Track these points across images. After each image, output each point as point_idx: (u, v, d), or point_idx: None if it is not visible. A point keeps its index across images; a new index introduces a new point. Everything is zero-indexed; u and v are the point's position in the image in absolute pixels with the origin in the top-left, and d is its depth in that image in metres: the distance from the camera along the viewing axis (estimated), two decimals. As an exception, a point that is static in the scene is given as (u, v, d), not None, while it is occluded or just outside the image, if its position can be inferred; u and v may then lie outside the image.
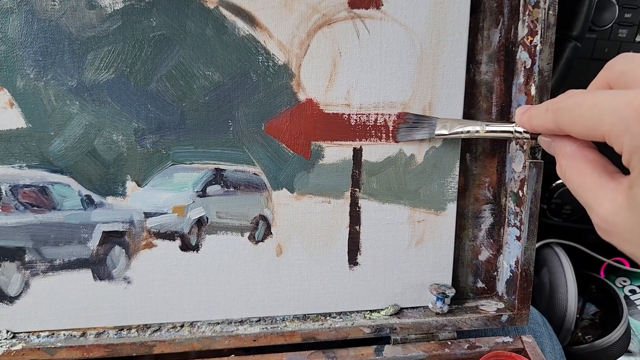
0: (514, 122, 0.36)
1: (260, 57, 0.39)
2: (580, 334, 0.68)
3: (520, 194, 0.43)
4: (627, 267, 0.77)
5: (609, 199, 0.24)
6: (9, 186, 0.38)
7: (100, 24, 0.37)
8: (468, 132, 0.39)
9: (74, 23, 0.37)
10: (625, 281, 0.76)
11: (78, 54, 0.37)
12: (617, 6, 0.63)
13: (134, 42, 0.37)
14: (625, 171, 0.24)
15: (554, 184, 0.70)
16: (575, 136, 0.26)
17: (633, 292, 0.74)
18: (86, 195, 0.39)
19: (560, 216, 0.72)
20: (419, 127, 0.41)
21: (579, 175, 0.26)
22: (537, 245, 0.75)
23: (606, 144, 0.24)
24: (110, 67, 0.38)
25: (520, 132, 0.35)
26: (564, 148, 0.28)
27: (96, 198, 0.39)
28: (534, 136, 0.33)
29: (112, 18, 0.37)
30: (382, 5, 0.39)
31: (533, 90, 0.41)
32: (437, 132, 0.40)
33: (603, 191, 0.25)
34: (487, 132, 0.38)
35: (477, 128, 0.38)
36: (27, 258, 0.39)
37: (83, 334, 0.41)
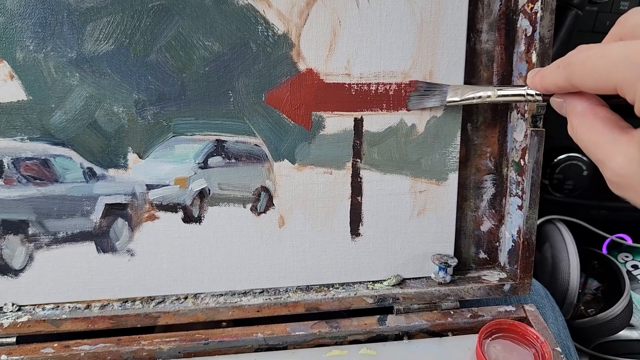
0: (524, 85, 0.36)
1: (260, 27, 0.39)
2: (582, 307, 0.68)
3: (522, 163, 0.43)
4: (630, 243, 0.78)
5: (622, 152, 0.24)
6: (11, 159, 0.38)
7: (98, -6, 0.37)
8: (480, 97, 0.39)
9: (72, -7, 0.36)
10: (627, 257, 0.77)
11: (77, 25, 0.37)
12: (618, -23, 0.62)
13: (133, 13, 0.37)
14: (637, 126, 0.24)
15: (555, 160, 0.70)
16: (587, 91, 0.26)
17: (635, 267, 0.74)
18: (88, 168, 0.39)
19: (562, 192, 0.72)
20: (430, 95, 0.41)
21: (591, 132, 0.26)
22: (539, 221, 0.75)
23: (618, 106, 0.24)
24: (110, 38, 0.37)
25: (532, 95, 0.35)
26: (576, 107, 0.28)
27: (98, 170, 0.39)
28: (546, 98, 0.33)
29: (110, -12, 0.37)
30: (382, -28, 0.39)
31: (534, 58, 0.41)
32: (448, 99, 0.40)
33: (615, 146, 0.24)
34: (499, 96, 0.38)
35: (489, 93, 0.38)
36: (30, 231, 0.40)
37: (88, 306, 0.42)
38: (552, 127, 0.69)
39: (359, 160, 0.42)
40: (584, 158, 0.69)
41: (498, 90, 0.38)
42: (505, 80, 0.44)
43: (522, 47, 0.42)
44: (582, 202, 0.74)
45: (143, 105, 0.39)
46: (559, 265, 0.68)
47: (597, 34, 0.66)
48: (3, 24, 0.36)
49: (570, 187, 0.71)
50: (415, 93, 0.41)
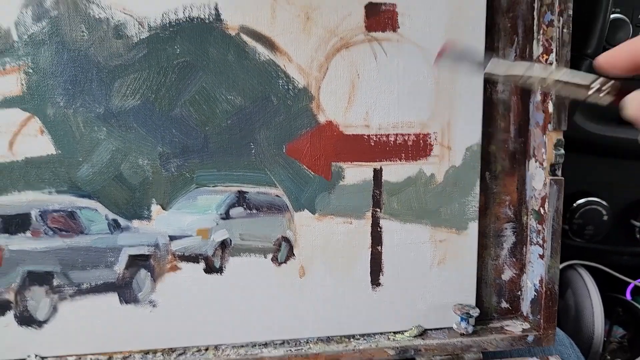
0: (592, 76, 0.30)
1: (281, 81, 0.40)
2: (609, 357, 0.66)
3: (542, 211, 0.43)
4: (654, 289, 0.76)
5: None
6: (39, 211, 0.39)
7: (126, 52, 0.38)
8: (530, 77, 0.31)
9: (101, 52, 0.38)
10: (652, 303, 0.75)
11: (105, 82, 0.38)
12: (631, 25, 0.63)
13: (159, 69, 0.39)
14: None
15: (574, 204, 0.70)
16: None
17: (661, 314, 0.72)
18: (113, 219, 0.40)
19: (583, 237, 0.71)
20: (466, 61, 0.36)
21: None
22: (560, 266, 0.74)
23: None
24: (136, 94, 0.39)
25: (598, 89, 0.29)
26: None
27: (122, 222, 0.40)
28: (619, 91, 0.27)
29: (138, 47, 0.38)
30: (399, 27, 0.40)
31: (550, 108, 0.41)
32: (488, 70, 0.33)
33: None
34: (557, 82, 0.30)
35: (544, 75, 0.31)
36: (55, 282, 0.40)
37: (109, 358, 0.42)
38: (570, 171, 0.69)
39: (378, 209, 0.43)
40: (604, 203, 0.69)
41: (557, 72, 0.31)
42: (523, 129, 0.45)
43: (539, 97, 0.43)
44: (603, 248, 0.73)
45: (167, 158, 0.40)
46: (583, 313, 0.66)
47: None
48: (36, 81, 0.38)
49: (590, 232, 0.70)
50: (449, 54, 0.35)
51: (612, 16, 0.63)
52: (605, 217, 0.69)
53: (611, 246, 0.74)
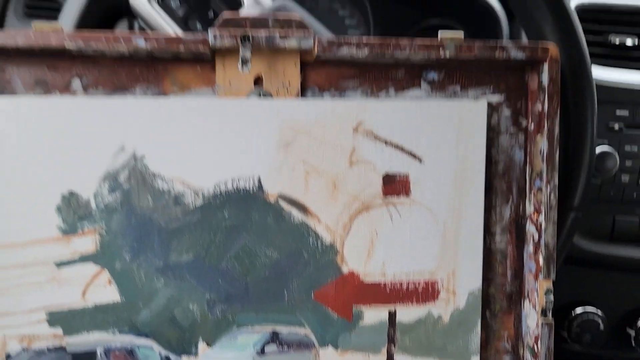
0: None
1: (311, 239, 0.47)
2: None
3: (535, 348, 0.49)
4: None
5: None
6: (103, 349, 0.46)
7: (183, 217, 0.46)
8: None
9: (163, 217, 0.46)
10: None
11: (165, 241, 0.46)
12: (617, 156, 0.71)
13: (210, 231, 0.46)
14: None
15: (573, 313, 0.76)
16: None
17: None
18: (165, 356, 0.47)
19: (581, 344, 0.77)
20: None
21: None
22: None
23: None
24: (190, 251, 0.46)
25: None
26: None
27: (173, 358, 0.47)
28: None
29: (193, 212, 0.46)
30: (411, 194, 0.48)
31: (541, 261, 0.48)
32: None
33: None
34: None
35: None
36: (113, 410, 0.47)
37: None
38: (568, 282, 0.76)
39: (393, 346, 0.49)
40: (600, 313, 0.75)
41: None
42: (518, 273, 0.52)
43: (531, 249, 0.50)
44: (601, 353, 0.79)
45: (214, 304, 0.47)
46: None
47: (602, 203, 0.74)
48: (108, 241, 0.45)
49: (588, 339, 0.76)
50: None
51: (599, 149, 0.71)
52: (602, 327, 0.75)
53: (609, 351, 0.80)
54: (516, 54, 0.46)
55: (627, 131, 0.72)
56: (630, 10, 0.77)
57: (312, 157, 0.47)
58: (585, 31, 0.74)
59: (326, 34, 0.52)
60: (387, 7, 0.87)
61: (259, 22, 0.43)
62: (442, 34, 0.45)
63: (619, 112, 0.72)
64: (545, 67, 0.46)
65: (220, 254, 0.47)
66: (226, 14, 0.43)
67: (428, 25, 0.89)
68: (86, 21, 0.49)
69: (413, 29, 0.88)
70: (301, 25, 0.44)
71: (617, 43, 0.74)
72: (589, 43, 0.74)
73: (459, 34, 0.45)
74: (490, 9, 0.81)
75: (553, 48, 0.46)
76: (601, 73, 0.73)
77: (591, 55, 0.74)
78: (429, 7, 0.87)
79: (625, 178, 0.73)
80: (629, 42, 0.74)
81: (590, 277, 0.77)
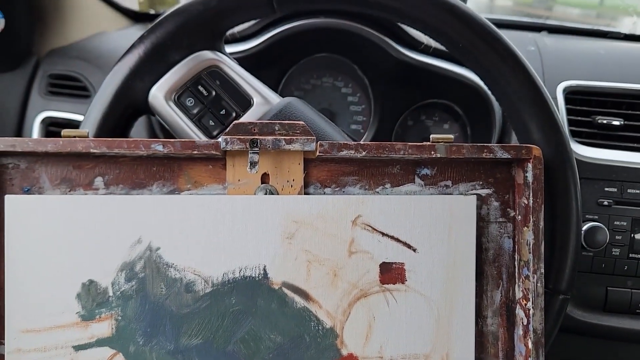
0: None
1: (312, 323, 0.51)
2: None
3: None
4: None
5: None
6: None
7: (194, 303, 0.49)
8: None
9: (175, 303, 0.49)
10: None
11: (176, 326, 0.49)
12: (607, 230, 0.74)
13: (218, 316, 0.50)
14: None
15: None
16: None
17: None
18: None
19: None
20: None
21: None
22: None
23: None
24: (199, 335, 0.49)
25: None
26: None
27: None
28: None
29: (202, 299, 0.49)
30: (406, 281, 0.51)
31: (530, 345, 0.51)
32: None
33: None
34: None
35: None
36: None
37: None
38: (563, 349, 0.78)
39: None
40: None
41: None
42: (509, 355, 0.54)
43: (521, 332, 0.53)
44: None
45: (220, 385, 0.50)
46: None
47: (595, 274, 0.77)
48: (123, 326, 0.49)
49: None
50: None
51: (590, 224, 0.74)
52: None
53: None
54: (502, 154, 0.50)
55: (615, 207, 0.76)
56: (615, 93, 0.82)
57: (313, 247, 0.50)
58: (573, 112, 0.80)
59: (330, 130, 0.56)
60: (386, 87, 0.93)
61: (266, 128, 0.48)
62: (433, 137, 0.50)
63: (607, 189, 0.76)
64: (530, 166, 0.50)
65: (227, 337, 0.50)
66: (237, 122, 0.47)
67: (424, 103, 0.94)
68: (109, 120, 0.53)
69: (410, 106, 0.94)
70: (304, 131, 0.48)
71: (605, 123, 0.78)
72: (577, 124, 0.80)
73: (449, 137, 0.49)
74: (480, 91, 0.86)
75: (536, 149, 0.50)
76: (590, 152, 0.78)
77: (579, 135, 0.79)
78: (424, 87, 0.92)
79: (616, 251, 0.76)
80: (615, 122, 0.78)
81: (584, 346, 0.80)
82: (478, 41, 0.54)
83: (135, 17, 1.24)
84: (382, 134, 0.98)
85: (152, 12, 1.27)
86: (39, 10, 0.98)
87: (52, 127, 0.96)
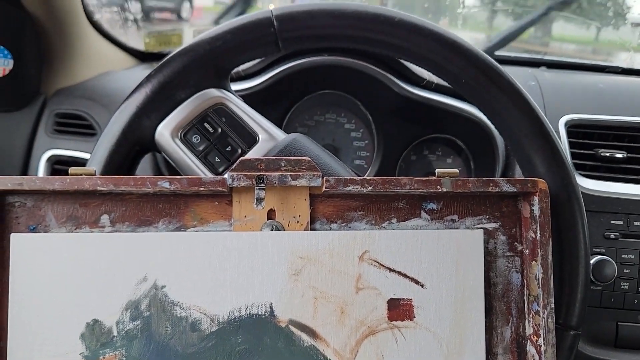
0: None
1: (320, 362, 0.50)
2: None
3: None
4: None
5: None
6: None
7: (199, 342, 0.49)
8: None
9: (180, 342, 0.48)
10: None
11: (181, 366, 0.48)
12: (615, 264, 0.73)
13: (224, 355, 0.49)
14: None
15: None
16: None
17: None
18: None
19: None
20: None
21: None
22: None
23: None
24: (205, 375, 0.49)
25: None
26: None
27: None
28: None
29: (208, 338, 0.49)
30: (415, 317, 0.51)
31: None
32: None
33: None
34: None
35: None
36: None
37: None
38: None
39: None
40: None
41: None
42: (521, 393, 0.53)
43: (522, 377, 0.52)
44: None
45: None
46: None
47: (604, 309, 0.76)
48: (127, 366, 0.48)
49: None
50: None
51: (597, 258, 0.74)
52: None
53: None
54: (508, 188, 0.50)
55: (622, 240, 0.75)
56: (617, 126, 0.82)
57: (320, 283, 0.50)
58: (575, 145, 0.80)
59: (336, 166, 0.56)
60: (389, 122, 0.94)
61: (272, 164, 0.48)
62: (439, 171, 0.50)
63: (614, 222, 0.76)
64: (536, 199, 0.50)
65: (233, 378, 0.49)
66: (243, 158, 0.48)
67: (427, 137, 0.95)
68: (115, 157, 0.54)
69: (413, 141, 0.94)
70: (311, 167, 0.48)
71: (608, 156, 0.79)
72: (580, 157, 0.80)
73: (454, 171, 0.50)
74: (482, 125, 0.86)
75: (542, 182, 0.50)
76: (594, 185, 0.77)
77: (583, 168, 0.79)
78: (427, 122, 0.93)
79: (624, 285, 0.75)
80: (618, 155, 0.78)
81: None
82: (480, 76, 0.55)
83: (141, 56, 1.27)
84: (385, 169, 0.99)
85: (157, 51, 1.29)
86: (48, 51, 1.00)
87: (58, 165, 0.96)
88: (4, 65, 0.91)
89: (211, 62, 0.56)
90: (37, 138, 0.96)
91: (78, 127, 0.95)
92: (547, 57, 1.21)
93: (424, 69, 0.57)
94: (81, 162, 0.94)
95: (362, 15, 0.55)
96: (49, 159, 0.95)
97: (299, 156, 0.54)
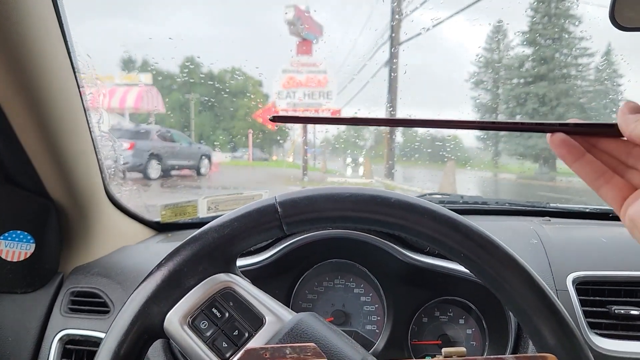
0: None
1: None
2: None
3: None
4: None
5: None
6: None
7: None
8: None
9: None
10: None
11: None
12: None
13: None
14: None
15: None
16: None
17: None
18: None
19: None
20: None
21: None
22: None
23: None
24: None
25: None
26: None
27: None
28: None
29: None
30: None
31: None
32: None
33: None
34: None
35: None
36: None
37: None
38: None
39: None
40: None
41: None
42: None
43: None
44: None
45: None
46: None
47: None
48: None
49: None
50: None
51: None
52: None
53: None
54: (519, 367, 0.49)
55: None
56: (628, 281, 0.82)
57: None
58: (587, 303, 0.79)
59: (343, 347, 0.56)
60: (397, 287, 0.95)
61: (277, 353, 0.48)
62: (445, 350, 0.50)
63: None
64: (547, 374, 0.49)
65: None
66: (248, 347, 0.48)
67: (437, 300, 0.95)
68: (124, 347, 0.54)
69: (423, 305, 0.94)
70: (315, 353, 0.49)
71: (623, 313, 0.77)
72: (593, 315, 0.79)
73: (461, 350, 0.49)
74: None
75: (552, 357, 0.50)
76: (611, 345, 0.76)
77: (599, 326, 0.78)
78: (435, 286, 0.94)
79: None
80: (633, 312, 0.77)
81: None
82: (478, 250, 0.57)
83: (158, 227, 1.32)
84: (397, 333, 0.97)
85: (173, 221, 1.34)
86: (67, 231, 1.04)
87: (69, 345, 0.96)
88: (26, 250, 0.95)
89: (219, 249, 0.59)
90: (52, 318, 0.97)
91: (92, 305, 0.96)
92: (550, 206, 1.22)
93: (424, 243, 0.59)
94: (92, 341, 0.94)
95: (359, 198, 0.58)
96: (61, 339, 0.95)
97: (305, 339, 0.54)
